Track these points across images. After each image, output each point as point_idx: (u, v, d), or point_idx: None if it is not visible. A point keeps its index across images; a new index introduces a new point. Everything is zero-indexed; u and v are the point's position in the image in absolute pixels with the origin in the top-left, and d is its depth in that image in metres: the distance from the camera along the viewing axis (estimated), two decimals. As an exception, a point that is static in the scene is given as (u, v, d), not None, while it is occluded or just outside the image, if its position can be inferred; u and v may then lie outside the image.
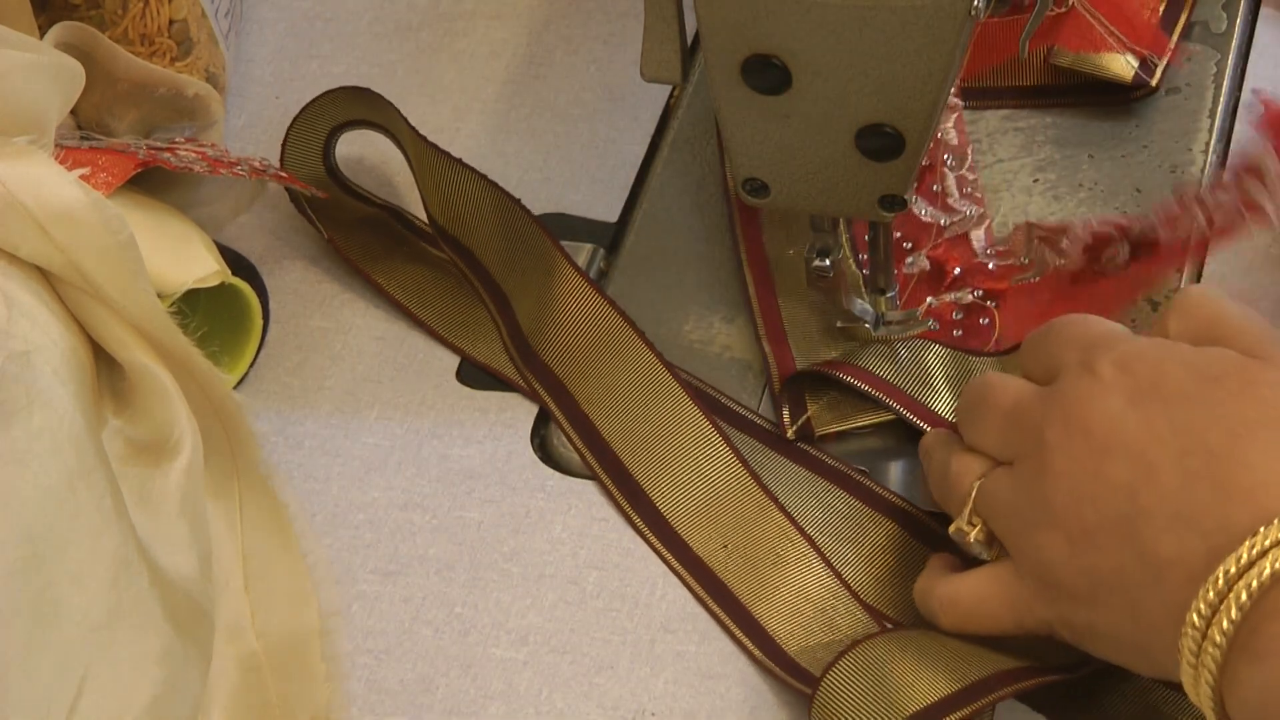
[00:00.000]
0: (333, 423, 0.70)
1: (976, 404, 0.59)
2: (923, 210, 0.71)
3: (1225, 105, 0.75)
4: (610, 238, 0.75)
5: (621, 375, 0.69)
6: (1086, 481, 0.53)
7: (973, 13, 0.56)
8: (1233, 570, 0.48)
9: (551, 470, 0.68)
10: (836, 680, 0.58)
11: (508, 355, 0.71)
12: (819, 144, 0.61)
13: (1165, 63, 0.75)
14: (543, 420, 0.70)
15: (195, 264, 0.67)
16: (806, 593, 0.63)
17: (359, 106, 0.73)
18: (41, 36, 0.68)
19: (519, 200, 0.72)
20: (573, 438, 0.68)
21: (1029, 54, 0.75)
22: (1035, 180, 0.75)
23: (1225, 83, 0.76)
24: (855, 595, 0.63)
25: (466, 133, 0.79)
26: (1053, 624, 0.55)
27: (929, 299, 0.70)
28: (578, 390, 0.69)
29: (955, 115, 0.73)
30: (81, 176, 0.60)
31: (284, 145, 0.74)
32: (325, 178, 0.74)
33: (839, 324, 0.69)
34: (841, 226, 0.68)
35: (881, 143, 0.60)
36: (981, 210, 0.72)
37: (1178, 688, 0.54)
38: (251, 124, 0.81)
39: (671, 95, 0.80)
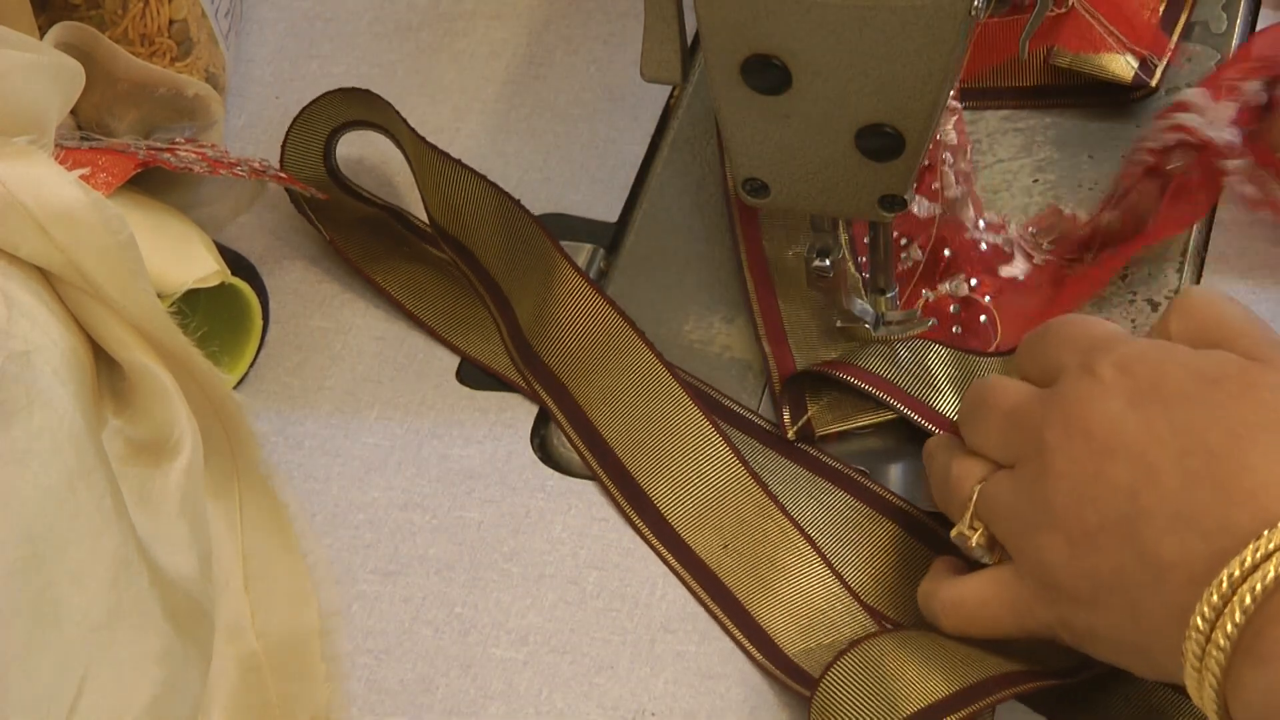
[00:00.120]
0: (333, 423, 0.70)
1: (977, 407, 0.59)
2: (919, 206, 0.71)
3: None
4: (610, 238, 0.75)
5: (622, 375, 0.69)
6: (1087, 483, 0.53)
7: (973, 13, 0.56)
8: (1236, 573, 0.48)
9: (551, 470, 0.68)
10: (836, 681, 0.58)
11: (508, 355, 0.71)
12: (819, 144, 0.61)
13: (1165, 63, 0.75)
14: (543, 420, 0.70)
15: (195, 264, 0.67)
16: (806, 593, 0.63)
17: (359, 107, 0.73)
18: (41, 36, 0.68)
19: (519, 200, 0.72)
20: (573, 438, 0.68)
21: (1029, 54, 0.75)
22: (1035, 180, 0.75)
23: (1225, 83, 0.76)
24: (855, 595, 0.63)
25: (466, 133, 0.79)
26: (1054, 626, 0.55)
27: (925, 292, 0.70)
28: (578, 390, 0.69)
29: (955, 117, 0.73)
30: (81, 176, 0.60)
31: (284, 146, 0.74)
32: (325, 178, 0.74)
33: (839, 324, 0.69)
34: (841, 226, 0.68)
35: (881, 143, 0.60)
36: (968, 189, 0.72)
37: (1178, 689, 0.54)
38: (251, 124, 0.81)
39: (671, 95, 0.80)
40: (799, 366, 0.69)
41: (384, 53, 0.83)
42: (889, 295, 0.68)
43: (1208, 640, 0.49)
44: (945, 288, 0.70)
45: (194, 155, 0.69)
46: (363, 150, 0.77)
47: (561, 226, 0.75)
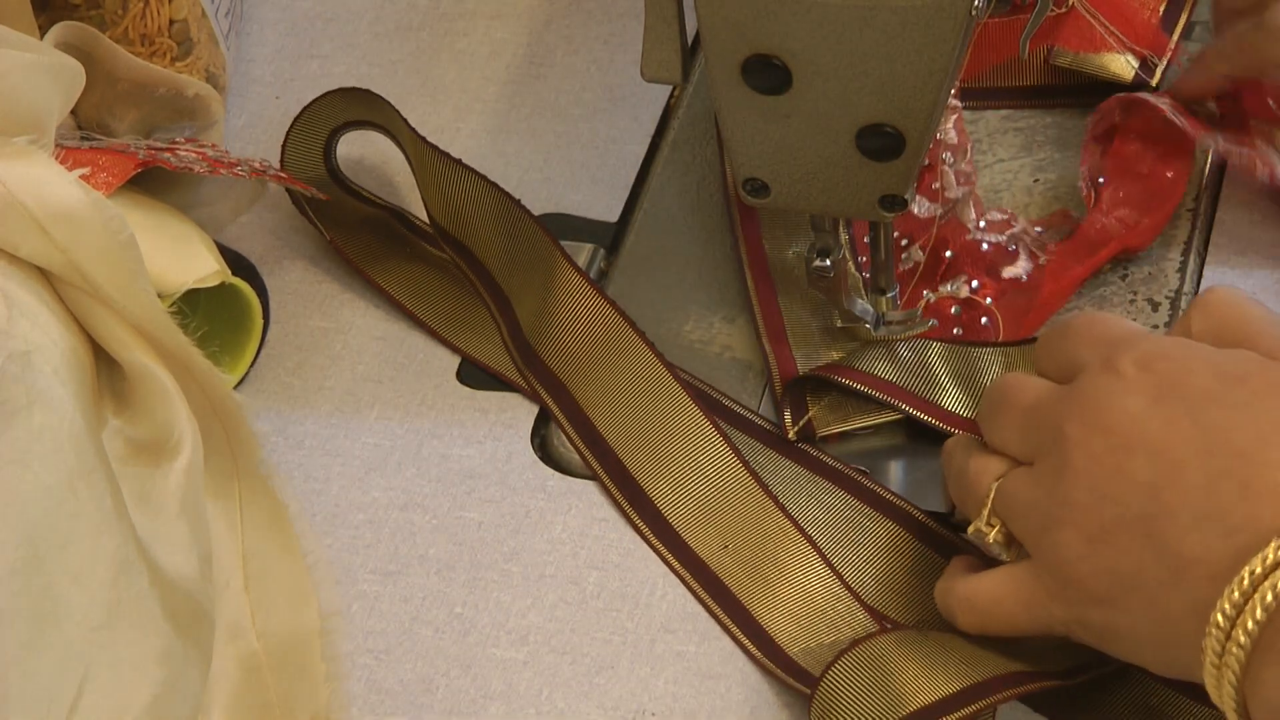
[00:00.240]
0: (333, 423, 0.70)
1: (996, 404, 0.59)
2: (920, 206, 0.71)
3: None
4: (610, 238, 0.75)
5: (622, 375, 0.69)
6: (1107, 479, 0.53)
7: (973, 13, 0.56)
8: (1259, 570, 0.48)
9: (551, 470, 0.68)
10: (836, 680, 0.58)
11: (508, 355, 0.71)
12: (819, 144, 0.61)
13: (1166, 63, 0.75)
14: (543, 420, 0.70)
15: (195, 264, 0.67)
16: (807, 593, 0.63)
17: (359, 107, 0.73)
18: (41, 36, 0.68)
19: (519, 200, 0.72)
20: (573, 438, 0.68)
21: (1029, 54, 0.75)
22: (1035, 180, 0.75)
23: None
24: (855, 595, 0.63)
25: (466, 133, 0.79)
26: (1070, 624, 0.55)
27: (925, 293, 0.70)
28: (578, 390, 0.69)
29: (955, 116, 0.73)
30: (81, 176, 0.60)
31: (284, 146, 0.74)
32: (326, 178, 0.74)
33: (839, 324, 0.69)
34: (841, 226, 0.68)
35: (882, 143, 0.60)
36: (970, 189, 0.72)
37: (1191, 688, 0.54)
38: (251, 124, 0.81)
39: (671, 95, 0.80)
40: (800, 366, 0.69)
41: (384, 53, 0.83)
42: (889, 295, 0.68)
43: (1228, 637, 0.49)
44: (946, 289, 0.70)
45: (194, 155, 0.69)
46: (363, 150, 0.77)
47: (561, 226, 0.75)
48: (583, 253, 0.74)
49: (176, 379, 0.62)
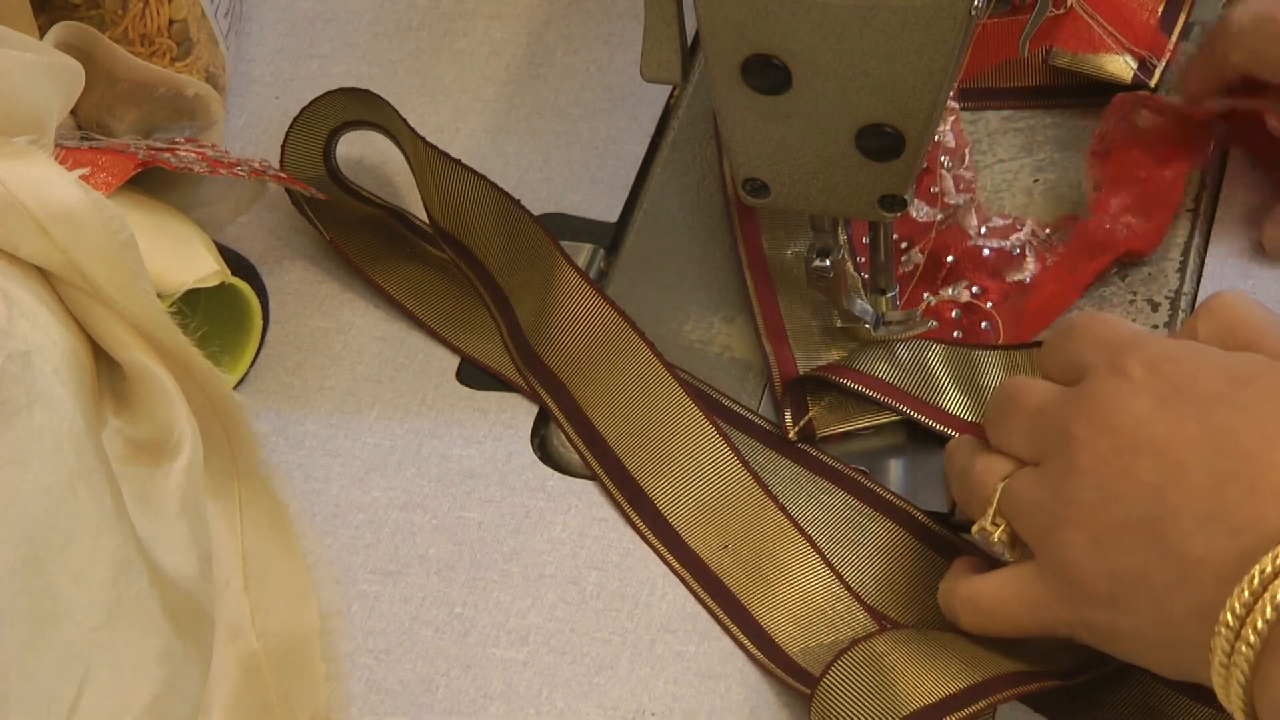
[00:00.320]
0: (333, 423, 0.70)
1: (1003, 406, 0.59)
2: (919, 210, 0.71)
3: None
4: (610, 238, 0.75)
5: (622, 375, 0.69)
6: (1113, 480, 0.53)
7: (973, 13, 0.56)
8: (1268, 570, 0.48)
9: (551, 470, 0.68)
10: (836, 680, 0.58)
11: (508, 355, 0.71)
12: (819, 144, 0.61)
13: (1164, 64, 0.75)
14: (543, 420, 0.70)
15: (195, 264, 0.67)
16: (806, 593, 0.63)
17: (359, 107, 0.73)
18: (41, 36, 0.68)
19: (519, 200, 0.72)
20: (573, 438, 0.68)
21: (1029, 54, 0.75)
22: (1035, 180, 0.75)
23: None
24: (855, 595, 0.63)
25: (466, 133, 0.79)
26: (1074, 625, 0.55)
27: (926, 296, 0.70)
28: (578, 390, 0.69)
29: (953, 118, 0.73)
30: (81, 176, 0.60)
31: (284, 146, 0.74)
32: (325, 178, 0.74)
33: (839, 324, 0.69)
34: (841, 226, 0.68)
35: (882, 143, 0.60)
36: (971, 196, 0.72)
37: (1193, 689, 0.54)
38: (251, 124, 0.81)
39: (671, 95, 0.80)
40: (800, 365, 0.69)
41: (384, 53, 0.83)
42: (889, 295, 0.68)
43: (1237, 637, 0.49)
44: (947, 293, 0.70)
45: (194, 155, 0.69)
46: (363, 150, 0.77)
47: (561, 226, 0.75)
48: (582, 253, 0.74)
49: (176, 379, 0.62)
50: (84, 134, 0.72)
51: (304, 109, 0.74)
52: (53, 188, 0.58)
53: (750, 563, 0.64)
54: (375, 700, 0.62)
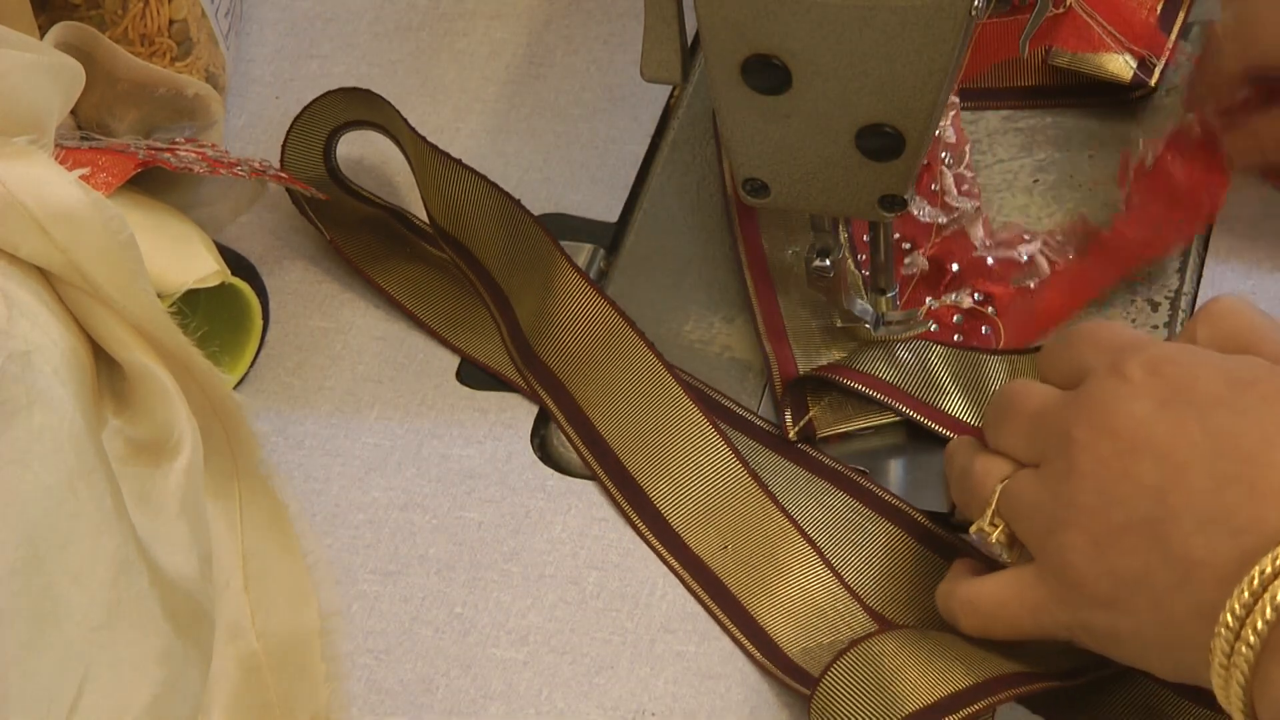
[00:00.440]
0: (333, 423, 0.70)
1: (1003, 409, 0.59)
2: (921, 210, 0.71)
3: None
4: (610, 238, 0.75)
5: (621, 375, 0.69)
6: (1113, 482, 0.53)
7: (973, 13, 0.56)
8: (1268, 570, 0.48)
9: (551, 470, 0.68)
10: (835, 680, 0.58)
11: (508, 355, 0.71)
12: (819, 144, 0.61)
13: (1164, 63, 0.75)
14: (543, 420, 0.70)
15: (195, 264, 0.67)
16: (806, 594, 0.63)
17: (359, 107, 0.73)
18: (41, 36, 0.68)
19: (519, 200, 0.72)
20: (572, 438, 0.68)
21: (1029, 54, 0.75)
22: (1035, 180, 0.75)
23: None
24: (855, 596, 0.63)
25: (466, 133, 0.79)
26: (1072, 628, 0.55)
27: (928, 300, 0.70)
28: (578, 390, 0.69)
29: (953, 114, 0.73)
30: (81, 176, 0.60)
31: (284, 146, 0.74)
32: (326, 178, 0.74)
33: (839, 324, 0.69)
34: (841, 226, 0.68)
35: (881, 143, 0.60)
36: (978, 205, 0.72)
37: (1192, 690, 0.54)
38: (251, 124, 0.81)
39: (671, 95, 0.80)
40: (800, 366, 0.69)
41: (384, 53, 0.83)
42: (889, 295, 0.68)
43: (1236, 638, 0.49)
44: (950, 299, 0.70)
45: (194, 155, 0.69)
46: (363, 150, 0.77)
47: (561, 226, 0.75)
48: (582, 253, 0.74)
49: (176, 379, 0.62)
50: (84, 134, 0.72)
51: (304, 109, 0.74)
52: (53, 188, 0.58)
53: (750, 563, 0.64)
54: (375, 700, 0.62)
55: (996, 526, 0.58)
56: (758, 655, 0.62)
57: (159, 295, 0.62)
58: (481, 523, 0.67)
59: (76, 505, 0.54)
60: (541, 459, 0.68)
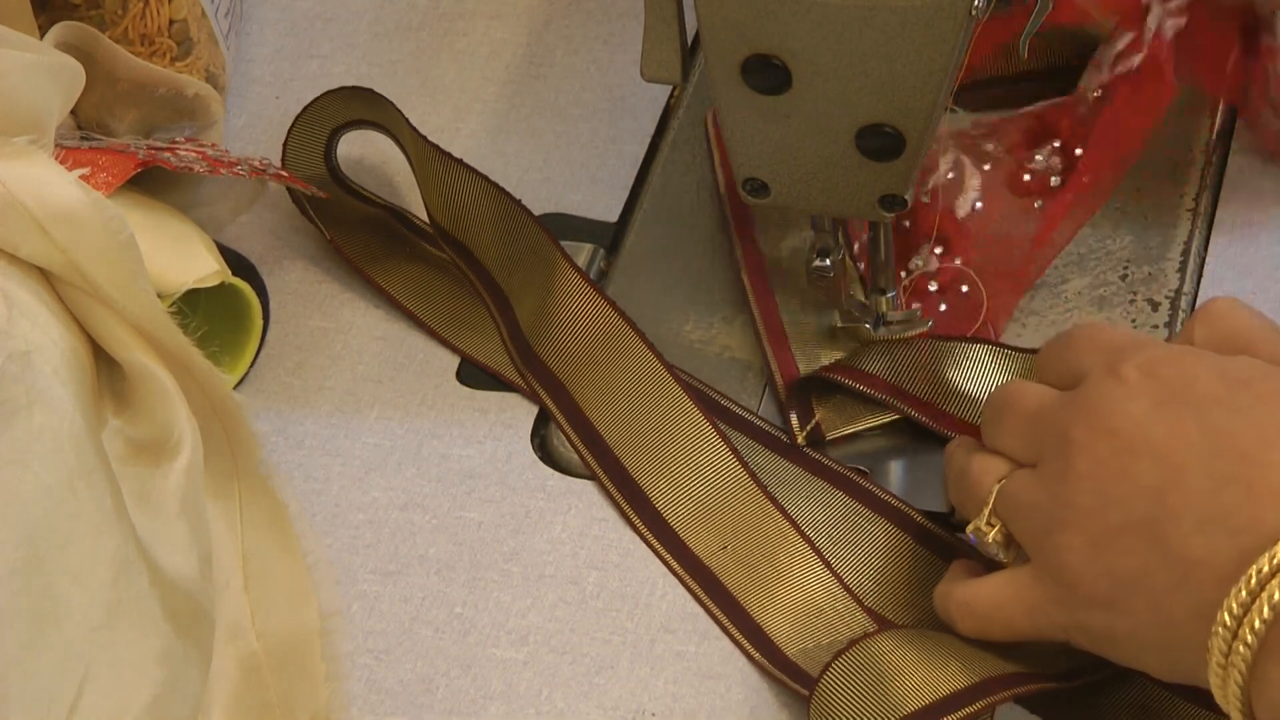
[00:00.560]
0: (333, 423, 0.70)
1: (999, 410, 0.59)
2: None
3: (1226, 105, 0.75)
4: (610, 238, 0.75)
5: (621, 375, 0.69)
6: (1111, 482, 0.53)
7: (973, 13, 0.56)
8: (1265, 569, 0.48)
9: (551, 470, 0.68)
10: (834, 680, 0.58)
11: (508, 355, 0.71)
12: (819, 144, 0.61)
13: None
14: (543, 420, 0.70)
15: (195, 264, 0.67)
16: (805, 594, 0.63)
17: (360, 106, 0.73)
18: (41, 36, 0.68)
19: (519, 200, 0.72)
20: (572, 438, 0.68)
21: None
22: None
23: (1225, 83, 0.76)
24: (854, 596, 0.63)
25: (466, 133, 0.79)
26: (1070, 629, 0.55)
27: (901, 273, 0.70)
28: (577, 390, 0.69)
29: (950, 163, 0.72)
30: (81, 176, 0.60)
31: (285, 145, 0.74)
32: (326, 178, 0.74)
33: (839, 324, 0.69)
34: (841, 226, 0.68)
35: (881, 143, 0.60)
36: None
37: (1190, 691, 0.54)
38: (251, 124, 0.81)
39: (671, 95, 0.80)
40: (801, 368, 0.69)
41: (384, 53, 0.83)
42: (889, 295, 0.68)
43: (1234, 637, 0.49)
44: (916, 263, 0.70)
45: (194, 155, 0.69)
46: (363, 150, 0.77)
47: (561, 226, 0.75)
48: (583, 253, 0.74)
49: (176, 379, 0.62)
50: (84, 134, 0.72)
51: (305, 108, 0.74)
52: (53, 188, 0.58)
53: (749, 563, 0.64)
54: (375, 700, 0.62)
55: (993, 526, 0.58)
56: (756, 655, 0.62)
57: (159, 295, 0.62)
58: (481, 523, 0.67)
59: (76, 505, 0.54)
60: (541, 459, 0.68)
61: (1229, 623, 0.49)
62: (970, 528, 0.59)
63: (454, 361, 0.72)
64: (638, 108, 0.79)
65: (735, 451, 0.66)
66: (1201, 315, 0.57)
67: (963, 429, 0.66)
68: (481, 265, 0.72)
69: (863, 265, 0.70)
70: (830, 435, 0.67)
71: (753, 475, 0.66)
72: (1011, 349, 0.68)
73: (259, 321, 0.71)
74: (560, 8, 0.83)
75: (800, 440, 0.67)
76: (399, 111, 0.72)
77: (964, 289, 0.70)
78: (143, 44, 0.73)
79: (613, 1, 0.83)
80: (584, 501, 0.67)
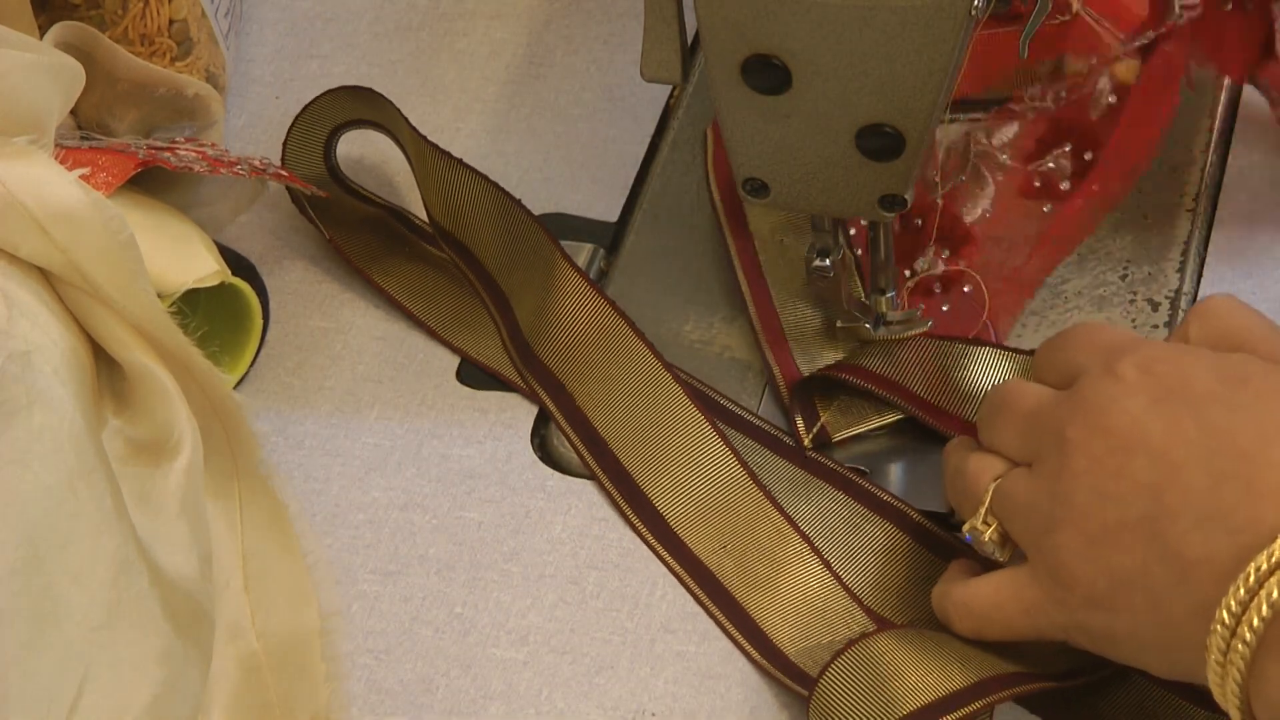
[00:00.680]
0: (333, 423, 0.70)
1: (995, 409, 0.59)
2: None
3: (1225, 105, 0.75)
4: (610, 238, 0.75)
5: (621, 375, 0.69)
6: (1108, 481, 0.53)
7: (973, 13, 0.56)
8: (1264, 567, 0.48)
9: (551, 470, 0.68)
10: (834, 680, 0.58)
11: (508, 355, 0.71)
12: (819, 144, 0.61)
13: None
14: (543, 420, 0.70)
15: (195, 264, 0.67)
16: (804, 594, 0.63)
17: (360, 106, 0.73)
18: (41, 36, 0.68)
19: (519, 200, 0.72)
20: (571, 438, 0.68)
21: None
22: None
23: (1225, 81, 0.76)
24: (853, 596, 0.63)
25: (466, 133, 0.79)
26: (1068, 629, 0.55)
27: (905, 272, 0.70)
28: (577, 390, 0.69)
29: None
30: (81, 176, 0.60)
31: (285, 145, 0.74)
32: (326, 177, 0.74)
33: (839, 324, 0.69)
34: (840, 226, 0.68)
35: (881, 143, 0.60)
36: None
37: (1189, 690, 0.54)
38: (251, 124, 0.81)
39: (671, 95, 0.80)
40: (801, 368, 0.69)
41: (384, 52, 0.83)
42: (889, 295, 0.68)
43: (1233, 635, 0.49)
44: (921, 265, 0.70)
45: (194, 155, 0.69)
46: (363, 150, 0.77)
47: (561, 226, 0.75)
48: (582, 253, 0.74)
49: (176, 379, 0.62)
50: (84, 134, 0.72)
51: (305, 108, 0.74)
52: (53, 188, 0.58)
53: (748, 563, 0.64)
54: (375, 700, 0.62)
55: (989, 525, 0.58)
56: (756, 655, 0.62)
57: (159, 295, 0.62)
58: (481, 523, 0.67)
59: (76, 505, 0.54)
60: (541, 459, 0.68)
61: (1227, 620, 0.49)
62: (966, 527, 0.59)
63: (454, 361, 0.72)
64: (638, 108, 0.79)
65: (735, 451, 0.66)
66: (1197, 313, 0.57)
67: (963, 428, 0.66)
68: (481, 265, 0.72)
69: (860, 251, 0.69)
70: (836, 437, 0.67)
71: (752, 475, 0.66)
72: (1012, 350, 0.68)
73: (259, 321, 0.71)
74: (560, 8, 0.83)
75: (807, 443, 0.67)
76: (399, 111, 0.72)
77: (966, 290, 0.70)
78: (143, 44, 0.73)
79: (613, 1, 0.83)
80: (584, 501, 0.67)
